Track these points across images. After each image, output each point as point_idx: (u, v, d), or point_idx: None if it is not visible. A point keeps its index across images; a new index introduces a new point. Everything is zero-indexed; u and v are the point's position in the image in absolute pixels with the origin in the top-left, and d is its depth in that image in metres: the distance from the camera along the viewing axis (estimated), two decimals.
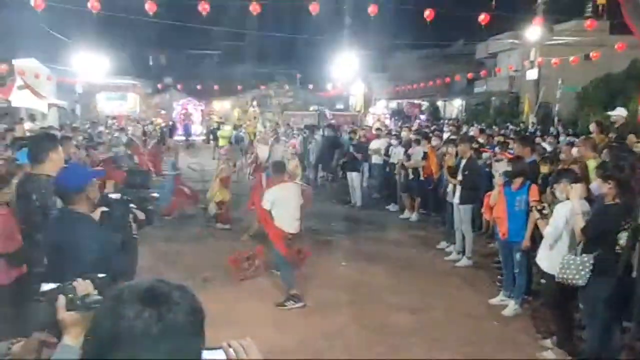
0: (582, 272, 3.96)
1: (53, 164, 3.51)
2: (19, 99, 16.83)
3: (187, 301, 1.05)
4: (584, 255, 4.02)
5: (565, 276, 4.08)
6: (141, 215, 2.92)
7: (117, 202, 2.79)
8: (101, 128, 15.95)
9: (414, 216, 10.11)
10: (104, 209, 2.75)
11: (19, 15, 16.83)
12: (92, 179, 2.82)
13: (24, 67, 18.59)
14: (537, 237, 5.33)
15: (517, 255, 5.56)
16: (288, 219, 5.93)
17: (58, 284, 1.58)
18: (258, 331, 4.80)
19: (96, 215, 2.74)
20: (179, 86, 31.08)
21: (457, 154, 7.99)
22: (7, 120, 15.60)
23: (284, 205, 5.91)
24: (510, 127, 17.43)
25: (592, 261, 3.94)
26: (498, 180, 5.85)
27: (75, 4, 15.15)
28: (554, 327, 4.87)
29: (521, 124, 18.49)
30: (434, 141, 10.42)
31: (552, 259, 4.47)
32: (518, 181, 5.60)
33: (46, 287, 1.58)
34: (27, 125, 14.07)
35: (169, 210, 9.73)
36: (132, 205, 2.86)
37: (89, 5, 12.78)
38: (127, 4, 15.33)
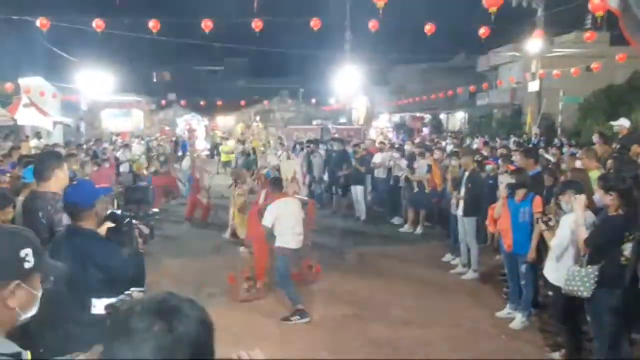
0: (587, 284, 3.93)
1: (58, 181, 3.54)
2: (25, 117, 17.01)
3: (197, 314, 1.08)
4: (588, 266, 3.99)
5: (571, 288, 4.05)
6: (145, 230, 2.94)
7: (122, 217, 2.82)
8: (105, 144, 16.07)
9: (418, 229, 10.08)
10: (110, 224, 2.78)
11: (24, 35, 17.10)
12: (101, 196, 2.84)
13: (30, 85, 18.85)
14: (542, 249, 5.31)
15: (523, 268, 5.53)
16: (290, 234, 5.91)
17: (117, 298, 1.69)
18: (263, 346, 4.72)
19: (102, 230, 2.76)
20: (182, 102, 31.34)
21: (460, 166, 8.00)
22: (13, 138, 15.75)
23: (285, 220, 5.89)
24: (513, 139, 17.44)
25: (596, 272, 3.92)
26: (502, 192, 5.84)
27: (79, 24, 15.40)
28: (562, 339, 4.82)
29: (524, 136, 18.51)
30: (437, 154, 10.44)
31: (558, 270, 4.44)
32: (521, 193, 5.60)
33: (106, 302, 1.72)
34: (33, 142, 14.21)
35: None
36: (135, 220, 2.88)
37: (93, 24, 12.99)
38: (131, 22, 15.56)
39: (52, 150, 8.16)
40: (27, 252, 1.43)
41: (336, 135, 18.02)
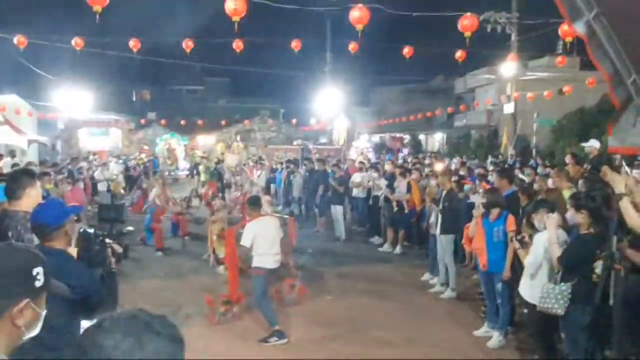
0: (561, 301, 4.00)
1: (30, 200, 3.46)
2: None
3: (168, 330, 1.07)
4: (562, 284, 4.06)
5: (545, 305, 4.11)
6: (118, 249, 2.89)
7: (95, 236, 2.76)
8: (83, 164, 15.81)
9: (397, 249, 10.12)
10: (80, 245, 2.72)
11: (0, 52, 16.86)
12: (71, 215, 2.79)
13: (5, 102, 18.50)
14: (517, 267, 5.39)
15: (499, 286, 5.59)
16: (267, 254, 5.85)
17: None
18: None
19: (73, 250, 2.70)
20: (162, 121, 31.14)
21: (438, 186, 8.11)
22: None
23: (262, 240, 5.83)
24: (490, 159, 17.78)
25: (569, 290, 3.99)
26: (476, 212, 5.93)
27: (58, 42, 15.29)
28: (538, 357, 4.86)
29: (500, 157, 18.89)
30: (415, 174, 10.58)
31: (533, 288, 4.51)
32: (495, 212, 5.69)
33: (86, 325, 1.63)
34: (3, 161, 13.89)
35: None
36: (108, 239, 2.83)
37: (72, 42, 12.92)
38: (111, 41, 15.52)
39: (24, 169, 7.99)
40: (38, 271, 1.42)
41: (316, 156, 18.12)
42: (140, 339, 1.01)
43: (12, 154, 16.24)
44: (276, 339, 5.60)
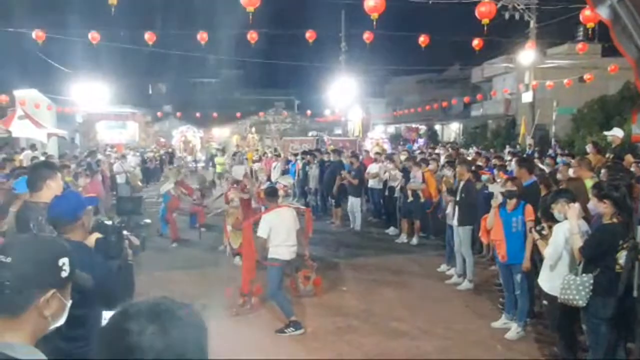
0: (582, 293, 3.92)
1: (51, 191, 3.50)
2: (19, 129, 16.97)
3: (192, 318, 1.10)
4: (583, 275, 3.98)
5: (566, 297, 4.03)
6: (135, 241, 2.90)
7: (112, 228, 2.77)
8: (100, 157, 16.01)
9: (414, 240, 10.06)
10: (98, 235, 2.73)
11: (20, 47, 17.13)
12: (87, 207, 2.80)
13: (25, 97, 18.81)
14: (536, 258, 5.30)
15: (518, 277, 5.51)
16: (282, 246, 5.85)
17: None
18: (258, 358, 4.71)
19: (90, 241, 2.72)
20: (178, 114, 31.37)
21: (455, 177, 8.01)
22: (7, 150, 15.68)
23: (278, 231, 5.84)
24: (508, 149, 17.52)
25: (591, 281, 3.91)
26: (494, 202, 5.84)
27: (75, 36, 15.46)
28: (558, 349, 4.79)
29: (518, 146, 18.60)
30: (432, 165, 10.47)
31: (553, 280, 4.43)
32: (512, 202, 5.60)
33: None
34: (24, 154, 14.16)
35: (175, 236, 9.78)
36: (125, 231, 2.84)
37: (89, 36, 13.04)
38: (127, 34, 15.63)
39: (45, 161, 8.12)
40: (64, 262, 1.44)
41: (331, 147, 18.07)
42: (165, 325, 1.04)
43: (32, 147, 16.57)
44: (292, 329, 5.61)
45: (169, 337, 1.03)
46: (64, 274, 1.44)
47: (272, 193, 6.28)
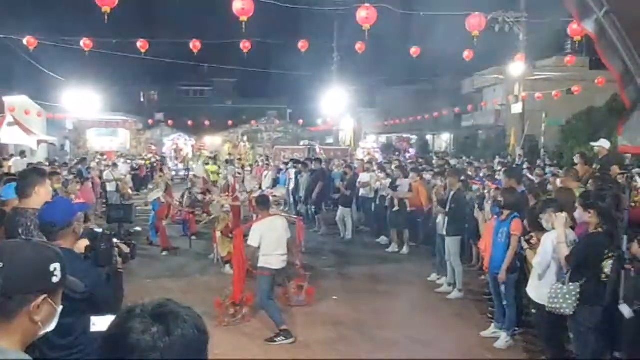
0: (569, 301, 3.96)
1: (40, 198, 3.48)
2: (9, 135, 16.85)
3: (194, 320, 1.14)
4: (570, 284, 4.03)
5: (554, 305, 4.07)
6: (126, 249, 2.88)
7: (101, 235, 2.76)
8: (92, 164, 15.90)
9: (404, 249, 10.08)
10: (87, 242, 2.72)
11: (10, 53, 17.04)
12: (78, 213, 2.79)
13: (15, 104, 18.70)
14: (525, 268, 5.34)
15: (503, 287, 5.55)
16: (273, 254, 5.84)
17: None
18: None
19: (79, 248, 2.70)
20: (169, 122, 31.27)
21: (445, 187, 8.07)
22: None
23: (269, 240, 5.82)
24: (498, 159, 17.67)
25: (578, 290, 3.95)
26: (477, 213, 5.86)
27: (67, 43, 15.41)
28: (547, 357, 4.82)
29: (508, 157, 18.77)
30: (427, 175, 10.56)
31: (541, 288, 4.47)
32: (506, 213, 5.65)
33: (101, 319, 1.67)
34: (13, 160, 14.04)
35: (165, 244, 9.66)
36: (115, 239, 2.82)
37: (81, 43, 13.02)
38: (119, 42, 15.60)
39: (35, 167, 8.03)
40: (55, 267, 1.44)
41: (323, 156, 18.12)
42: (168, 325, 1.08)
43: (22, 154, 16.41)
44: (283, 338, 5.59)
45: (172, 337, 1.06)
46: (56, 280, 1.43)
47: (263, 202, 6.26)
